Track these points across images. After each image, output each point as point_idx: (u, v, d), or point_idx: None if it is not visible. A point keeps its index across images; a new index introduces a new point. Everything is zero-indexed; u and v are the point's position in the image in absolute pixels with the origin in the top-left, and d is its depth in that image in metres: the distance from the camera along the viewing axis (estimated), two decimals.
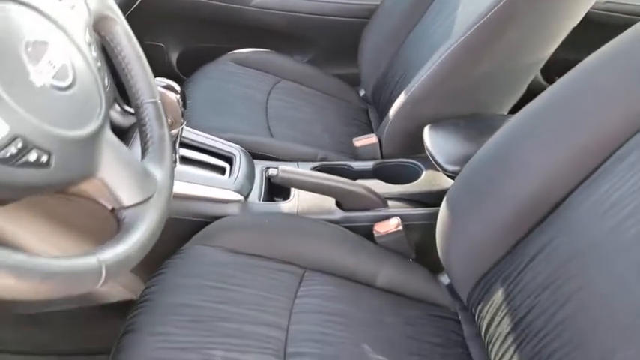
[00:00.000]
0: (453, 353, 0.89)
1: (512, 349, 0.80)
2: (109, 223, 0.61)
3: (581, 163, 0.75)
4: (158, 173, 0.67)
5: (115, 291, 1.05)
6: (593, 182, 0.74)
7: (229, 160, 1.05)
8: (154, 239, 0.60)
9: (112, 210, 0.60)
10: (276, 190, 1.07)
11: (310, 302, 0.85)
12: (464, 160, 0.89)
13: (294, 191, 1.03)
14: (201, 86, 1.38)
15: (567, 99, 0.78)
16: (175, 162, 1.00)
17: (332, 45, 1.65)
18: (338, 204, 1.02)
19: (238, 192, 0.98)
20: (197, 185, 0.96)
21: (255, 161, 1.09)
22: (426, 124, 1.08)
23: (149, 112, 0.74)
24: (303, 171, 0.98)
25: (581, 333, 0.69)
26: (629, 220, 0.66)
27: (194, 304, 0.80)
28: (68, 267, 0.48)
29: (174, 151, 0.98)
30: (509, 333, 0.81)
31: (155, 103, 0.76)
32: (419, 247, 1.02)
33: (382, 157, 1.17)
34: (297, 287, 0.87)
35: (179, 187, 0.95)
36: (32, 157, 0.49)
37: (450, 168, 0.98)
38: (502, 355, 0.82)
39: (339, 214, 1.01)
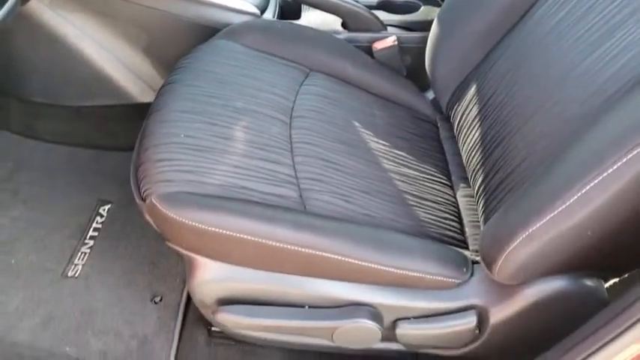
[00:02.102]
0: (429, 143, 1.07)
1: (475, 129, 0.97)
2: None
3: None
4: None
5: (145, 92, 1.22)
6: None
7: None
8: None
9: None
10: (288, 15, 1.22)
11: (312, 90, 1.02)
12: None
13: (303, 14, 1.18)
14: None
15: None
16: None
17: None
18: (344, 25, 1.17)
19: (256, 6, 1.13)
20: None
21: None
22: None
23: None
24: None
25: (521, 107, 0.87)
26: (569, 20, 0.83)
27: (220, 74, 0.96)
28: None
29: None
30: (475, 117, 0.98)
31: None
32: (411, 70, 1.18)
33: None
34: (302, 81, 1.04)
35: None
36: None
37: None
38: (467, 136, 1.00)
39: (345, 33, 1.16)
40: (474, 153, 0.97)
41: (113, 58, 1.16)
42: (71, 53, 1.14)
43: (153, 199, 0.77)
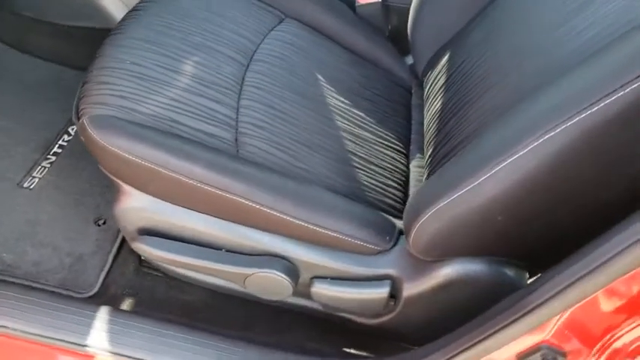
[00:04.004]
0: (395, 109, 1.03)
1: (439, 98, 0.94)
2: None
3: None
4: None
5: None
6: None
7: None
8: None
9: None
10: None
11: (281, 37, 0.99)
12: None
13: None
14: None
15: None
16: None
17: None
18: None
19: None
20: None
21: None
22: None
23: None
24: None
25: (482, 79, 0.83)
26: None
27: (188, 8, 0.95)
28: None
29: None
30: (441, 86, 0.94)
31: None
32: (396, 31, 1.13)
33: None
34: (274, 26, 1.01)
35: None
36: None
37: None
38: (431, 105, 0.96)
39: None
40: (432, 122, 0.94)
41: None
42: None
43: (84, 120, 0.77)
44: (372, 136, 0.95)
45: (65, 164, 1.11)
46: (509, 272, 0.75)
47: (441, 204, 0.64)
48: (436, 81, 0.97)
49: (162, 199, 0.79)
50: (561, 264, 0.60)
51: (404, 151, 0.98)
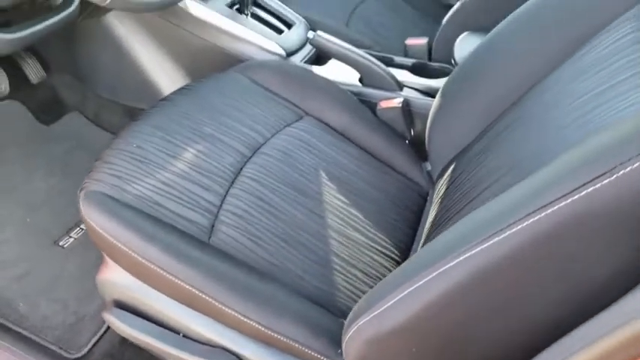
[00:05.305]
0: (403, 214, 1.00)
1: (435, 207, 0.89)
2: None
3: (539, 67, 0.83)
4: None
5: None
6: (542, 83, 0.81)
7: (290, 26, 1.25)
8: (150, 7, 0.83)
9: None
10: (320, 61, 1.24)
11: (294, 132, 1.02)
12: None
13: (330, 62, 1.20)
14: None
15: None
16: (247, 15, 1.23)
17: None
18: (361, 80, 1.16)
19: (282, 48, 1.18)
20: (252, 32, 1.18)
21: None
22: None
23: None
24: (335, 39, 1.13)
25: (470, 191, 0.78)
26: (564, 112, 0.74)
27: (211, 101, 1.03)
28: None
29: (247, 6, 1.21)
30: (440, 196, 0.90)
31: None
32: (416, 137, 1.12)
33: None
34: (291, 122, 1.05)
35: (238, 30, 1.19)
36: None
37: None
38: (429, 215, 0.91)
39: (356, 87, 1.15)
40: (424, 235, 0.89)
41: (161, 70, 1.31)
42: (130, 60, 1.31)
43: (79, 194, 0.85)
44: (364, 240, 0.93)
45: None
46: None
47: (362, 321, 0.60)
48: (438, 192, 0.93)
49: (134, 276, 0.83)
50: None
51: (399, 259, 0.94)
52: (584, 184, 0.39)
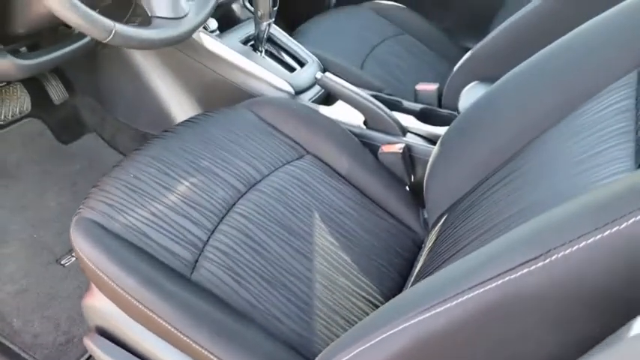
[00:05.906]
0: (392, 261, 0.99)
1: (422, 257, 0.88)
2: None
3: (543, 119, 0.81)
4: (193, 11, 0.92)
5: None
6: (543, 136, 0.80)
7: (302, 64, 1.27)
8: (153, 46, 0.86)
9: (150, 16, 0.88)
10: (329, 101, 1.25)
11: (292, 171, 1.03)
12: None
13: (338, 103, 1.21)
14: (329, 20, 1.60)
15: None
16: (262, 52, 1.26)
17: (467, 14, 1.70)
18: (366, 123, 1.16)
19: (292, 86, 1.20)
20: (262, 68, 1.21)
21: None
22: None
23: None
24: (341, 81, 1.14)
25: (456, 243, 0.77)
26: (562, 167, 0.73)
27: (212, 135, 1.05)
28: (91, 15, 0.76)
29: (262, 43, 1.24)
30: (428, 246, 0.89)
31: None
32: (416, 183, 1.11)
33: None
34: (291, 160, 1.06)
35: (250, 66, 1.21)
36: None
37: None
38: (417, 265, 0.90)
39: (360, 129, 1.15)
40: (411, 283, 0.88)
41: (175, 99, 1.35)
42: (146, 88, 1.36)
43: (74, 219, 0.88)
44: (349, 285, 0.92)
45: None
46: None
47: None
48: (429, 241, 0.92)
49: (115, 305, 0.84)
50: None
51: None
52: (518, 265, 0.38)
